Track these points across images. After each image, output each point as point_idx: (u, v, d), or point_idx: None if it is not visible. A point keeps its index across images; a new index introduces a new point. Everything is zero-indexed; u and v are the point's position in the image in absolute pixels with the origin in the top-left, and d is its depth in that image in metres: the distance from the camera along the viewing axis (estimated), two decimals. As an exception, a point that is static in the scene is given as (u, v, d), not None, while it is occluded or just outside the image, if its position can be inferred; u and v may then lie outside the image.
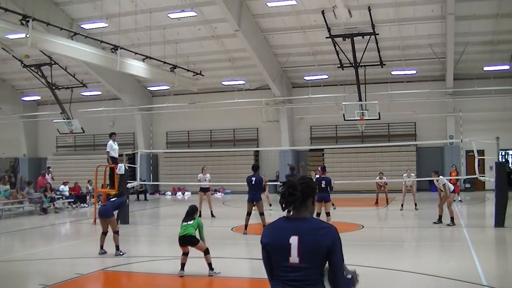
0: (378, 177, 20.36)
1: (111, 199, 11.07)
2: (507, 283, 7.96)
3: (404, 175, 18.84)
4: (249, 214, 13.29)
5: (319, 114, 27.76)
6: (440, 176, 14.67)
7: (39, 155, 34.84)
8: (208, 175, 17.82)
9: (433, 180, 15.25)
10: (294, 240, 3.02)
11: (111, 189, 16.07)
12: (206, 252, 8.35)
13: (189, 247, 8.44)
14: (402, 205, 18.18)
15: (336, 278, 3.11)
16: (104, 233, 10.45)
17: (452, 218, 13.88)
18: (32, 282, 8.68)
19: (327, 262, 3.08)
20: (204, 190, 17.73)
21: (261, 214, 13.10)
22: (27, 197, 19.73)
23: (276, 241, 3.10)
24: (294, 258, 3.02)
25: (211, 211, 17.12)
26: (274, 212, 18.52)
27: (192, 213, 8.64)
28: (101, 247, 10.44)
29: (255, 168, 13.78)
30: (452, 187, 14.34)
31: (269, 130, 29.47)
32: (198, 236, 8.44)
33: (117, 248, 10.26)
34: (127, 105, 30.25)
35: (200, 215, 16.18)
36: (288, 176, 13.91)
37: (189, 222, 8.47)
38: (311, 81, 27.29)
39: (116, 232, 10.32)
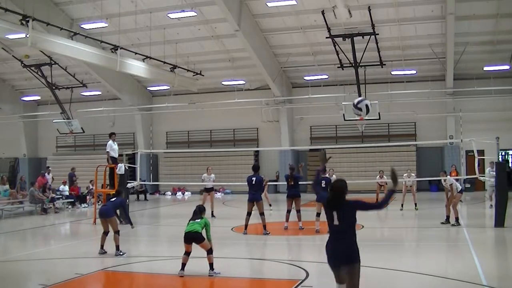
0: (378, 176, 20.35)
1: (111, 199, 11.07)
2: (507, 283, 7.96)
3: (405, 175, 18.81)
4: (249, 214, 13.30)
5: (319, 114, 27.75)
6: (448, 176, 14.66)
7: (39, 155, 34.83)
8: (212, 175, 17.87)
9: (433, 180, 15.26)
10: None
11: (111, 189, 16.06)
12: (210, 251, 8.37)
13: (192, 247, 8.45)
14: (402, 205, 18.18)
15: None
16: (105, 233, 10.46)
17: (457, 218, 13.89)
18: (32, 282, 8.68)
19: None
20: (208, 190, 17.78)
21: (261, 214, 13.13)
22: (35, 197, 19.58)
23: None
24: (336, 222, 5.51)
25: (212, 211, 17.14)
26: (274, 212, 18.54)
27: (199, 212, 8.69)
28: (102, 246, 10.45)
29: (256, 168, 13.80)
30: (460, 187, 14.28)
31: (269, 130, 29.46)
32: (204, 235, 8.48)
33: (117, 248, 10.26)
34: (127, 105, 30.25)
35: None
36: (287, 176, 13.90)
37: (196, 221, 8.52)
38: (311, 81, 27.30)
39: (116, 232, 10.33)
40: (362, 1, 20.80)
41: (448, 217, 14.18)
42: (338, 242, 5.41)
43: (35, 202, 19.59)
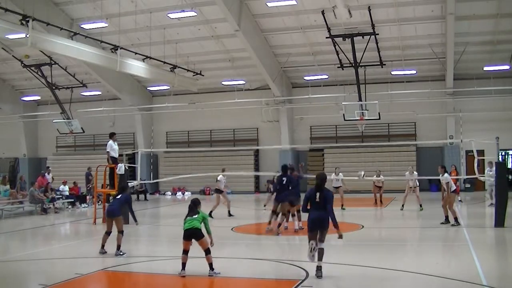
0: (375, 175, 20.35)
1: (117, 197, 11.02)
2: (507, 284, 7.96)
3: (406, 173, 18.70)
4: (274, 212, 13.06)
5: (319, 114, 27.76)
6: (446, 174, 14.63)
7: (39, 155, 34.83)
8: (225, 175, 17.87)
9: (433, 180, 15.22)
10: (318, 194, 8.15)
11: (111, 189, 16.07)
12: (208, 251, 8.35)
13: (191, 245, 8.44)
14: (402, 205, 18.14)
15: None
16: (108, 233, 10.44)
17: (456, 218, 13.87)
18: (32, 282, 8.68)
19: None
20: (220, 190, 17.80)
21: (283, 214, 13.03)
22: (35, 197, 19.54)
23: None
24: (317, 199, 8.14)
25: (212, 211, 17.09)
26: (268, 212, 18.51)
27: (194, 207, 8.61)
28: (102, 246, 10.43)
29: (285, 168, 13.48)
30: (454, 187, 14.28)
31: (269, 130, 29.46)
32: (203, 230, 8.47)
33: (119, 247, 10.25)
34: (127, 105, 30.24)
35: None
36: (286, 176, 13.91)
37: (194, 216, 8.49)
38: (311, 81, 27.31)
39: (121, 232, 10.31)
40: (362, 1, 20.80)
41: (447, 217, 14.17)
42: (318, 212, 8.10)
43: (35, 202, 19.59)
